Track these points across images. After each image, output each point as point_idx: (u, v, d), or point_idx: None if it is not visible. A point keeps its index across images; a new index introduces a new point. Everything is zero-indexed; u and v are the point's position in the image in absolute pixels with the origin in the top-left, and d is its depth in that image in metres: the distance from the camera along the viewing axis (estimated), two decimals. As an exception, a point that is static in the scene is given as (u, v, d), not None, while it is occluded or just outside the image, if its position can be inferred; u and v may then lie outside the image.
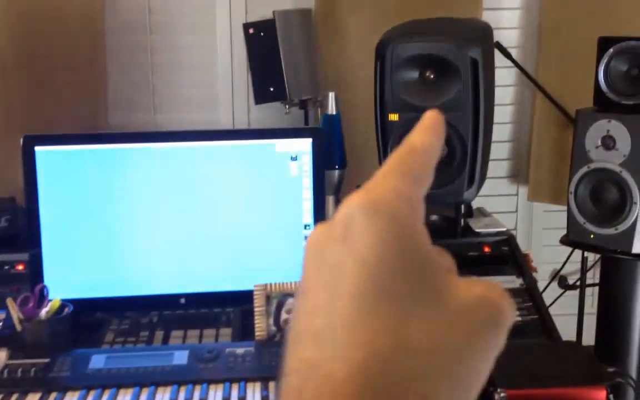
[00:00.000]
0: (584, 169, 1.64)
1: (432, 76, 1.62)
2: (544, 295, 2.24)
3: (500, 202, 2.39)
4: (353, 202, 0.31)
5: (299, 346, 0.30)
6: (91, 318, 1.49)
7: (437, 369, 0.28)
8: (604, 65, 1.62)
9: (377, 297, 0.29)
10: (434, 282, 0.30)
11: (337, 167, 1.84)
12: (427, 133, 0.34)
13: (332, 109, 1.86)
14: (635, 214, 1.58)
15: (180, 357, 1.32)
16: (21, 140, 1.49)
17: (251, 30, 2.05)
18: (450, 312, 0.30)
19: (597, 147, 1.61)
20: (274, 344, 1.37)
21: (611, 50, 1.61)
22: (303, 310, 0.30)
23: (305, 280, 0.31)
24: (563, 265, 2.37)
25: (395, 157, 0.33)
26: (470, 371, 0.30)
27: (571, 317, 2.39)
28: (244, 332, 1.44)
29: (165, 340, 1.44)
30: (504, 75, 2.28)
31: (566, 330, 2.29)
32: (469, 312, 0.30)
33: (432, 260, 0.31)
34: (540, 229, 2.45)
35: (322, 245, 0.31)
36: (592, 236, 1.63)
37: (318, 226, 0.32)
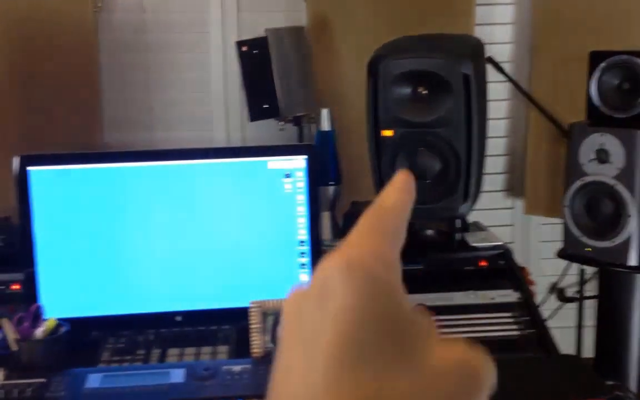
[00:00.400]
0: (579, 183, 1.64)
1: (424, 92, 1.63)
2: (543, 308, 2.25)
3: (497, 215, 2.39)
4: (329, 264, 0.31)
5: None
6: (87, 337, 1.48)
7: None
8: (595, 79, 1.63)
9: (355, 358, 0.28)
10: (411, 344, 0.30)
11: (331, 183, 1.85)
12: (398, 192, 0.35)
13: (325, 125, 1.87)
14: (631, 227, 1.58)
15: (177, 376, 1.31)
16: (14, 161, 1.49)
17: (244, 48, 2.06)
18: (428, 375, 0.29)
19: (590, 161, 1.62)
20: (271, 361, 1.37)
21: (603, 64, 1.62)
22: (281, 370, 0.31)
23: (283, 341, 0.31)
24: (559, 280, 2.37)
25: (369, 216, 0.33)
26: None
27: (570, 330, 2.39)
28: (241, 349, 1.44)
29: (162, 358, 1.43)
30: (498, 90, 2.29)
31: (565, 343, 2.30)
32: (447, 376, 0.30)
33: (410, 321, 0.30)
34: (537, 242, 2.45)
35: (299, 306, 0.31)
36: (588, 249, 1.63)
37: (296, 288, 0.32)
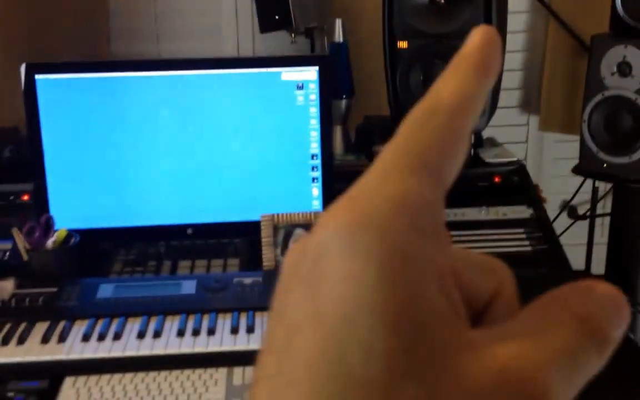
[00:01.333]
0: (599, 97, 1.60)
1: (442, 1, 1.57)
2: (554, 225, 2.23)
3: (511, 132, 2.35)
4: (331, 223, 0.21)
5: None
6: (98, 248, 1.48)
7: None
8: (621, -12, 1.56)
9: (337, 378, 0.19)
10: (432, 355, 0.20)
11: (344, 96, 1.81)
12: (464, 74, 0.22)
13: (339, 36, 1.82)
14: (650, 143, 1.54)
15: (189, 287, 1.32)
16: (22, 68, 1.46)
17: (256, -45, 1.99)
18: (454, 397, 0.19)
19: (612, 74, 1.57)
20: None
21: (630, -28, 1.55)
22: (261, 352, 0.22)
23: (270, 318, 0.23)
24: (573, 196, 2.34)
25: (406, 130, 0.22)
26: None
27: (581, 247, 2.38)
28: (252, 262, 1.44)
29: (173, 270, 1.44)
30: (516, 1, 2.21)
31: (575, 260, 2.28)
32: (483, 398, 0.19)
33: (436, 316, 0.20)
34: (550, 159, 2.41)
35: (289, 280, 0.22)
36: (604, 165, 1.60)
37: (294, 248, 0.23)
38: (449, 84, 0.22)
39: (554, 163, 2.40)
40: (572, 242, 2.34)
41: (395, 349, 0.19)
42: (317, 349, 0.20)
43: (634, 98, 1.54)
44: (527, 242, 1.51)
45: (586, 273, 2.11)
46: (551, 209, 2.30)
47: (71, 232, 1.39)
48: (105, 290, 1.30)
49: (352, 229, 0.21)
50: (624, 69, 1.54)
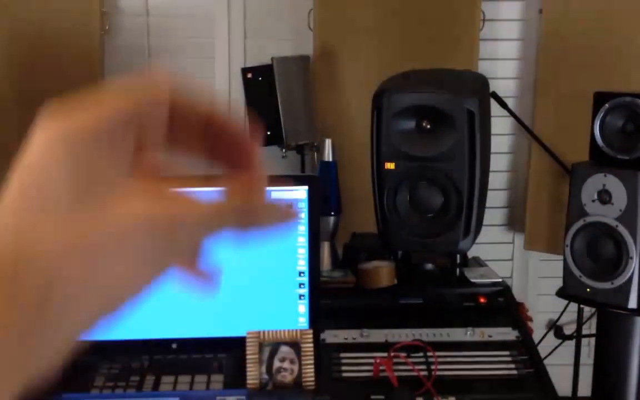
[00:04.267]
0: (580, 223, 1.64)
1: (428, 126, 1.63)
2: (540, 345, 2.23)
3: (496, 250, 2.39)
4: (45, 126, 0.31)
5: None
6: (81, 362, 1.46)
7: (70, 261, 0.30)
8: (599, 120, 1.64)
9: (35, 208, 0.30)
10: (97, 193, 0.31)
11: (332, 213, 1.84)
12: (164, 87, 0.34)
13: (328, 155, 1.87)
14: (632, 269, 1.58)
15: (171, 405, 1.30)
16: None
17: (249, 75, 2.07)
18: (106, 219, 0.31)
19: (593, 201, 1.61)
20: (266, 394, 1.36)
21: (607, 105, 1.63)
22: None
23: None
24: (559, 317, 2.36)
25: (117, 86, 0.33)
26: (108, 273, 0.31)
27: (568, 367, 2.37)
28: (236, 378, 1.43)
29: (156, 385, 1.42)
30: (501, 124, 2.29)
31: (563, 381, 2.28)
32: (125, 231, 0.31)
33: (103, 175, 0.31)
34: (536, 277, 2.44)
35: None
36: (588, 290, 1.63)
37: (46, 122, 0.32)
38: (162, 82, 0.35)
39: (539, 281, 2.43)
40: (559, 362, 2.33)
41: (74, 185, 0.31)
42: (20, 187, 0.31)
43: (614, 225, 1.58)
44: (512, 366, 1.51)
45: (573, 398, 2.10)
46: (537, 327, 2.31)
47: (55, 346, 1.37)
48: (86, 407, 1.28)
49: (59, 135, 0.31)
50: (604, 196, 1.59)
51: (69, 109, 0.32)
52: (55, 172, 0.31)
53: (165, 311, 1.52)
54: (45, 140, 0.31)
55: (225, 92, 2.25)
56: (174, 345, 1.51)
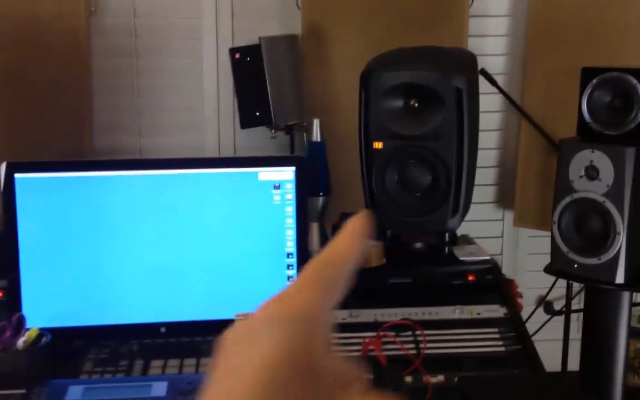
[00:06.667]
0: (568, 199, 1.64)
1: (416, 105, 1.62)
2: (530, 320, 2.24)
3: (486, 227, 2.39)
4: (264, 312, 0.34)
5: None
6: (70, 347, 1.47)
7: None
8: (587, 95, 1.63)
9: (264, 397, 0.31)
10: (324, 390, 0.32)
11: (321, 194, 1.84)
12: (348, 241, 0.37)
13: (316, 136, 1.86)
14: (619, 244, 1.58)
15: (159, 389, 1.30)
16: (2, 167, 1.48)
17: (237, 55, 2.05)
18: None
19: (580, 177, 1.61)
20: None
21: (594, 81, 1.62)
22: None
23: (212, 374, 0.34)
24: (548, 293, 2.37)
25: (314, 265, 0.36)
26: None
27: (557, 342, 2.38)
28: (225, 361, 1.43)
29: (145, 370, 1.42)
30: (490, 101, 2.28)
31: (552, 356, 2.29)
32: None
33: (330, 373, 0.33)
34: (525, 254, 2.45)
35: (230, 344, 0.34)
36: (575, 266, 1.63)
37: (235, 326, 0.35)
38: (339, 246, 0.37)
39: (529, 258, 2.43)
40: (549, 337, 2.35)
41: (298, 385, 0.32)
42: (250, 383, 0.31)
43: (601, 201, 1.58)
44: (500, 343, 1.52)
45: (562, 373, 2.11)
46: (527, 303, 2.32)
47: (43, 331, 1.38)
48: (75, 393, 1.28)
49: (278, 316, 0.33)
50: (592, 172, 1.58)
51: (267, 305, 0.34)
52: (279, 363, 0.32)
53: (154, 295, 1.52)
54: (261, 328, 0.33)
55: (214, 72, 2.23)
56: (163, 329, 1.51)
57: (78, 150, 2.11)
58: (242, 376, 0.32)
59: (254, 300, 1.32)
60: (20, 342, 1.34)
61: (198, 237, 1.52)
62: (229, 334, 0.35)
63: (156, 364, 1.44)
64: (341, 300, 0.36)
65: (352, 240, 0.37)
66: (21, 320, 1.36)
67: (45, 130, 2.10)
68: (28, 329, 1.36)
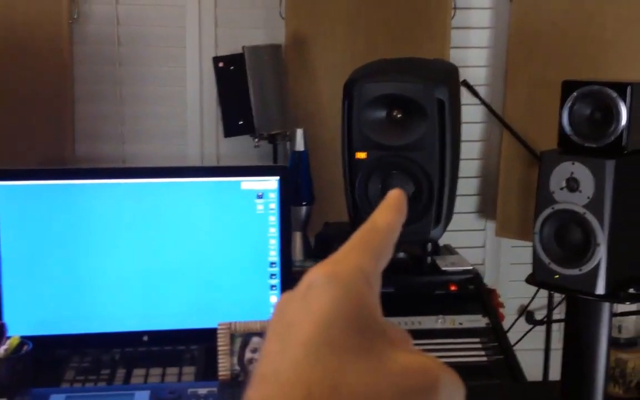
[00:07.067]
0: (549, 210, 1.65)
1: (399, 115, 1.63)
2: (512, 330, 2.26)
3: (468, 237, 2.40)
4: (317, 271, 0.35)
5: (250, 389, 0.33)
6: (51, 355, 1.45)
7: None
8: (567, 108, 1.65)
9: (323, 346, 0.32)
10: (379, 346, 0.33)
11: (304, 203, 1.84)
12: (389, 212, 0.39)
13: (300, 145, 1.86)
14: (599, 256, 1.60)
15: (141, 398, 1.30)
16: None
17: (221, 64, 2.06)
18: (389, 369, 0.32)
19: (561, 189, 1.63)
20: (238, 384, 1.36)
21: (575, 93, 1.64)
22: (260, 358, 0.34)
23: (267, 334, 0.35)
24: (529, 303, 2.38)
25: (359, 233, 0.38)
26: None
27: (538, 352, 2.40)
28: (208, 370, 1.43)
29: (127, 378, 1.42)
30: (472, 112, 2.31)
31: (533, 366, 2.31)
32: (407, 374, 0.33)
33: (381, 329, 0.34)
34: (508, 264, 2.46)
35: (284, 304, 0.35)
36: (556, 276, 1.64)
37: (285, 292, 0.36)
38: (382, 216, 0.39)
39: (510, 268, 2.45)
40: (531, 347, 2.37)
41: (357, 335, 0.33)
42: (312, 334, 0.32)
43: (582, 212, 1.60)
44: (482, 352, 1.53)
45: (543, 383, 2.13)
46: (509, 313, 2.33)
47: (24, 340, 1.36)
48: (56, 402, 1.27)
49: (330, 275, 0.35)
50: (572, 184, 1.60)
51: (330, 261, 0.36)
52: (337, 316, 0.33)
53: (136, 304, 1.51)
54: (318, 286, 0.34)
55: (197, 81, 2.23)
56: (145, 338, 1.50)
57: (60, 158, 2.10)
58: (299, 330, 0.33)
59: (237, 310, 1.32)
60: (1, 350, 1.33)
61: (181, 246, 1.52)
62: (281, 298, 0.36)
63: (138, 372, 1.43)
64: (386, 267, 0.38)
65: (392, 211, 0.39)
66: (2, 329, 1.35)
67: (26, 138, 2.09)
68: (9, 338, 1.35)
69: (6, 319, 1.42)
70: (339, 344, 0.32)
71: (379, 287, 0.37)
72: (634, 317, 2.42)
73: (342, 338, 0.32)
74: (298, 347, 0.32)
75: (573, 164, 1.59)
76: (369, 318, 0.34)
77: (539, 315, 2.44)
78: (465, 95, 2.13)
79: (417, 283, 1.70)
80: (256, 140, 2.09)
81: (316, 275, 0.35)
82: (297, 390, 0.31)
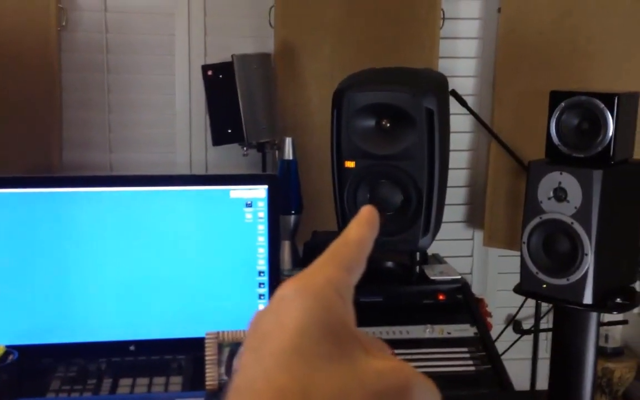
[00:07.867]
0: (536, 220, 1.66)
1: (388, 125, 1.64)
2: (500, 339, 2.26)
3: (456, 246, 2.41)
4: (288, 285, 0.36)
5: None
6: (37, 365, 1.44)
7: None
8: (555, 118, 1.66)
9: (294, 355, 0.33)
10: (350, 350, 0.34)
11: (293, 212, 1.84)
12: (361, 227, 0.40)
13: (289, 154, 1.86)
14: (587, 266, 1.61)
15: (128, 408, 1.29)
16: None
17: (210, 73, 2.05)
18: (361, 371, 0.33)
19: (549, 199, 1.64)
20: (225, 394, 1.35)
21: (563, 104, 1.65)
22: (235, 372, 0.35)
23: (243, 348, 0.36)
24: (517, 312, 2.39)
25: (331, 248, 0.39)
26: None
27: (526, 361, 2.41)
28: (195, 380, 1.42)
29: (114, 388, 1.40)
30: (461, 122, 2.31)
31: (521, 375, 2.32)
32: (379, 375, 0.33)
33: (352, 336, 0.35)
34: (495, 273, 2.47)
35: (258, 318, 0.36)
36: (544, 286, 1.65)
37: (259, 307, 0.36)
38: (353, 230, 0.40)
39: (498, 277, 2.46)
40: (518, 356, 2.37)
41: (328, 343, 0.33)
42: (283, 343, 0.33)
43: (570, 222, 1.61)
44: (470, 362, 1.53)
45: (531, 392, 2.13)
46: (496, 322, 2.34)
47: (9, 349, 1.35)
48: (41, 412, 1.26)
49: (301, 288, 0.35)
50: (560, 194, 1.61)
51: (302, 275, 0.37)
52: (307, 325, 0.34)
53: (123, 313, 1.50)
54: (289, 299, 0.35)
55: (186, 89, 2.22)
56: (132, 347, 1.49)
57: (47, 165, 2.09)
58: (271, 341, 0.34)
59: (225, 319, 1.32)
60: (-15, 360, 1.31)
61: (169, 255, 1.51)
62: (256, 312, 0.37)
63: (125, 382, 1.42)
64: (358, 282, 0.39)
65: (364, 226, 0.40)
66: (-14, 339, 1.34)
67: (13, 145, 2.07)
68: (-7, 347, 1.33)
69: (-9, 328, 1.41)
70: (310, 352, 0.33)
71: (351, 299, 0.37)
72: (620, 326, 2.44)
73: (313, 346, 0.33)
74: (270, 358, 0.33)
75: (561, 174, 1.60)
76: (340, 326, 0.35)
77: (526, 325, 2.45)
78: (453, 105, 2.13)
79: (405, 292, 1.70)
80: (245, 148, 2.09)
81: (287, 288, 0.36)
82: (268, 398, 0.31)
